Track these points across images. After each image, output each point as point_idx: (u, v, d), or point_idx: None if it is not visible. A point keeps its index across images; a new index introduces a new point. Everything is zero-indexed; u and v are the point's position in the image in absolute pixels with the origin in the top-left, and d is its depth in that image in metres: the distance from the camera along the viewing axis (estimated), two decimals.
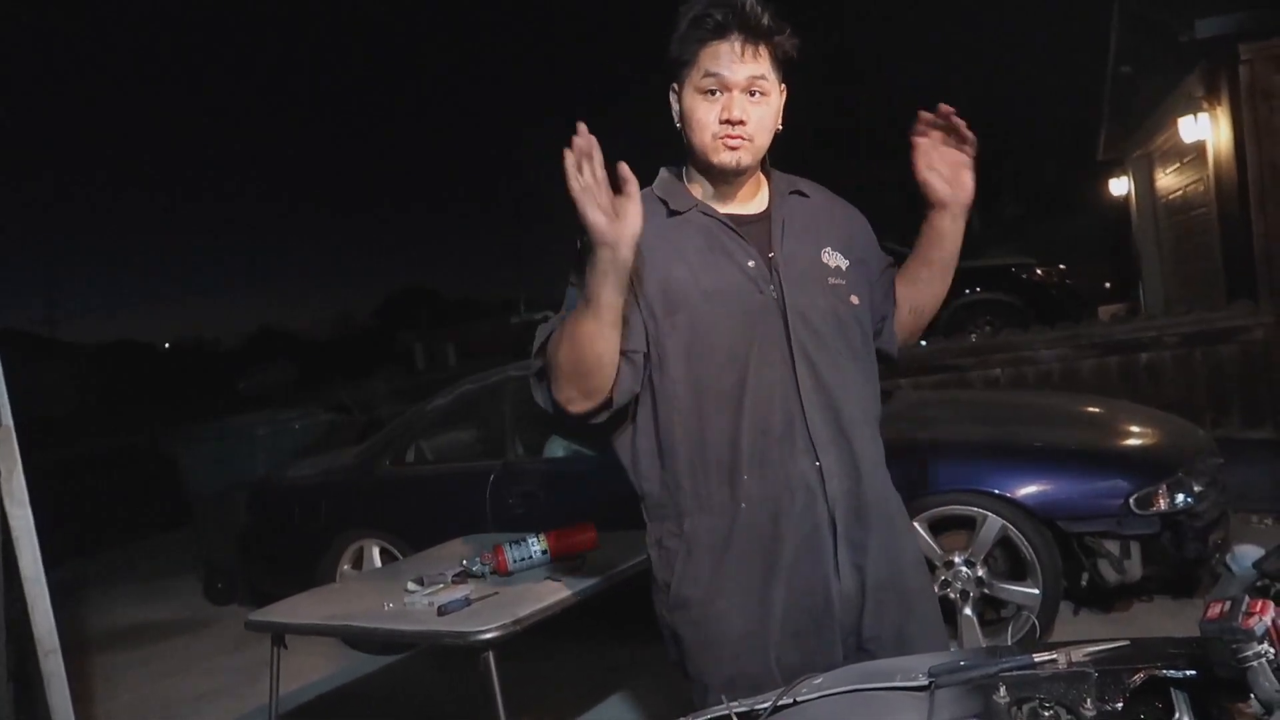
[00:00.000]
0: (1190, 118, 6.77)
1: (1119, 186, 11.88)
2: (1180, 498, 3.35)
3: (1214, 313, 6.25)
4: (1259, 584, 3.26)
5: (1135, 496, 3.35)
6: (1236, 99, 5.85)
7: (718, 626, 1.63)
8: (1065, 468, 3.55)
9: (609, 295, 1.47)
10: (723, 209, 1.70)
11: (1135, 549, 3.41)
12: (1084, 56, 10.44)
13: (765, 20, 1.59)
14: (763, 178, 1.76)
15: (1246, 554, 3.89)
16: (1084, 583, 3.55)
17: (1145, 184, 10.47)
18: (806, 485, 1.61)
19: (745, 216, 1.70)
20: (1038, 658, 1.19)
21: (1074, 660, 1.18)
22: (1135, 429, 3.98)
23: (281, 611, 2.95)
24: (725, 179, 1.68)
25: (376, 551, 4.61)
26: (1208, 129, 6.63)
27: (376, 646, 4.40)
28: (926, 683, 1.21)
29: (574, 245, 1.55)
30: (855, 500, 1.64)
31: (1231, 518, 3.82)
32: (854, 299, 1.71)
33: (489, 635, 2.35)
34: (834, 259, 1.71)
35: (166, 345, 53.79)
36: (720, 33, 1.59)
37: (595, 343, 1.51)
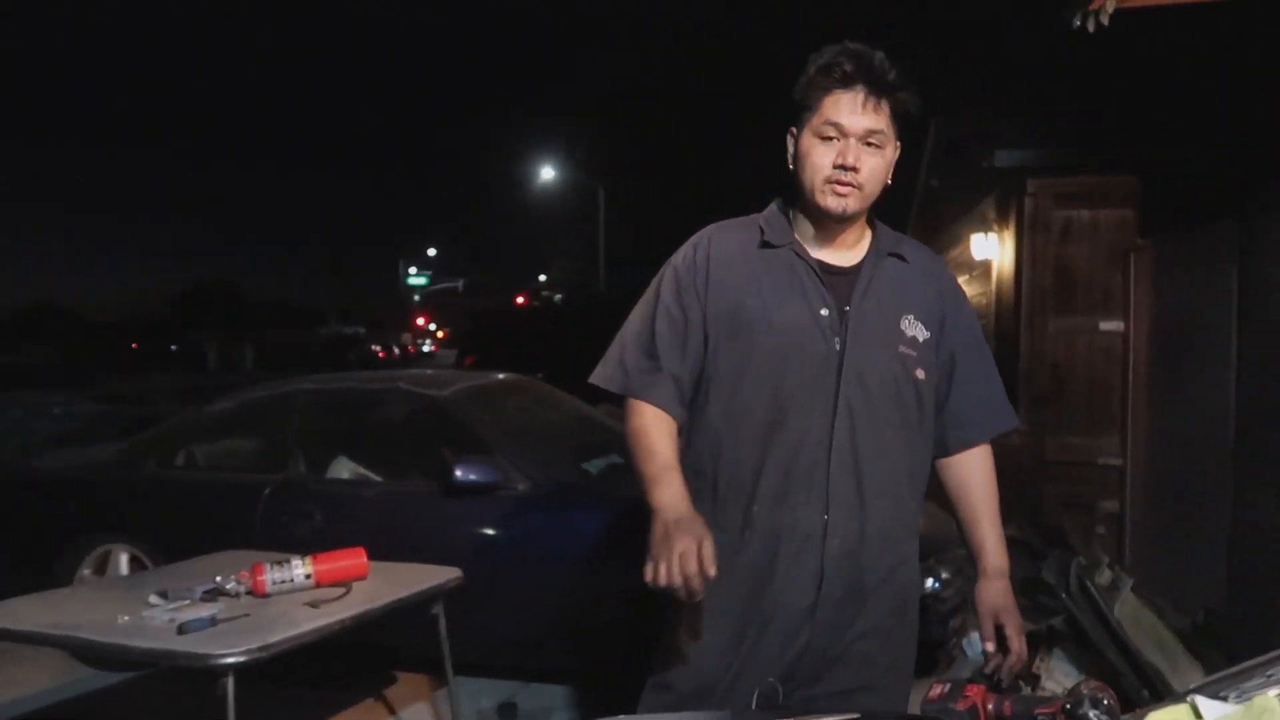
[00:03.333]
0: (982, 236, 7.42)
1: None
2: (930, 582, 3.60)
3: None
4: (985, 670, 3.50)
5: None
6: (1020, 226, 6.49)
7: (694, 651, 1.68)
8: None
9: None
10: (816, 253, 1.72)
11: None
12: (902, 162, 11.29)
13: (891, 76, 1.64)
14: (867, 231, 1.78)
15: (979, 641, 4.19)
16: None
17: None
18: (808, 535, 1.65)
19: (835, 266, 1.73)
20: None
21: None
22: None
23: None
24: (829, 223, 1.70)
25: (125, 559, 4.23)
26: (995, 249, 7.29)
27: (106, 663, 4.02)
28: None
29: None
30: (852, 564, 1.66)
31: (970, 606, 4.14)
32: (920, 372, 1.72)
33: (229, 659, 2.20)
34: (913, 328, 1.72)
35: None
36: (846, 83, 1.63)
37: (638, 477, 1.66)
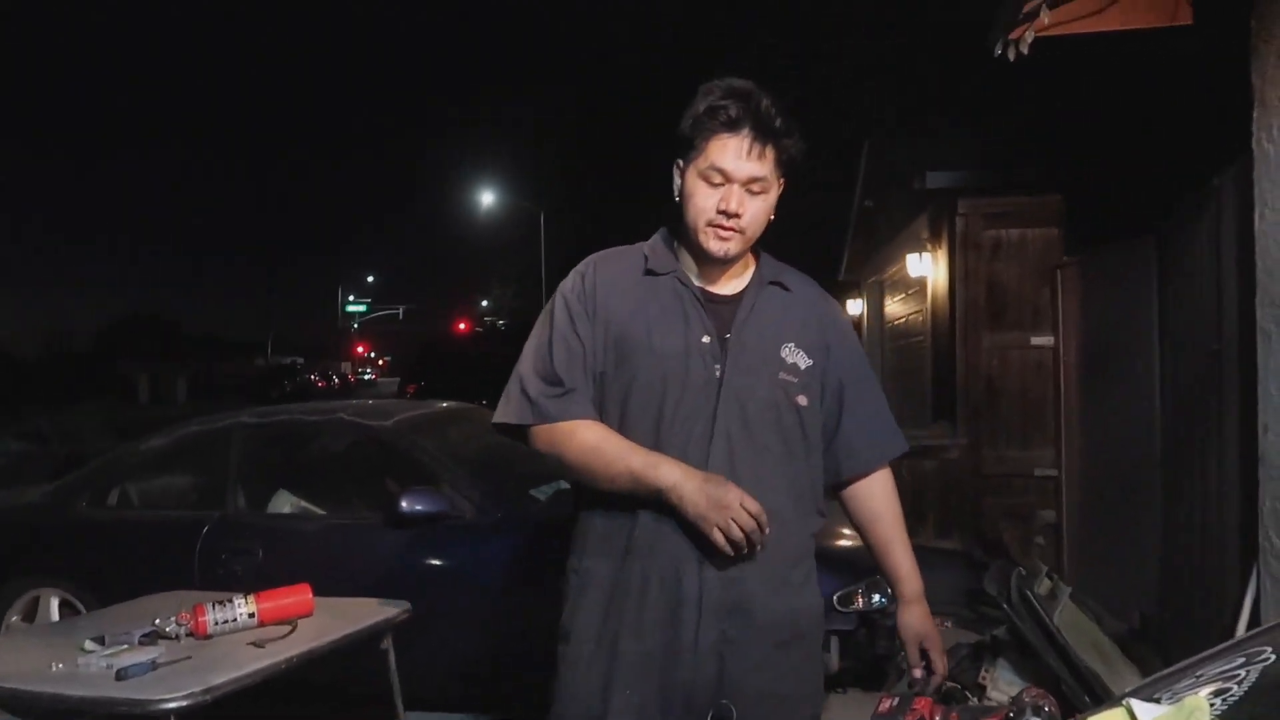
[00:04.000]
0: (917, 255, 7.61)
1: (855, 306, 13.08)
2: (876, 598, 3.65)
3: (920, 430, 6.97)
4: None
5: (838, 594, 3.61)
6: (953, 245, 6.67)
7: (586, 670, 1.68)
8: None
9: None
10: (699, 282, 1.74)
11: (834, 643, 3.66)
12: (837, 183, 11.50)
13: (778, 122, 1.64)
14: (751, 260, 1.79)
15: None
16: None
17: (876, 307, 11.58)
18: (685, 563, 1.64)
19: (718, 295, 1.75)
20: None
21: None
22: (844, 531, 4.30)
23: None
24: (711, 262, 1.72)
25: (55, 603, 4.09)
26: (930, 267, 7.48)
27: (39, 714, 3.86)
28: None
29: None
30: (733, 592, 1.64)
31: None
32: (801, 399, 1.72)
33: (171, 704, 2.13)
34: (794, 355, 1.73)
35: None
36: (732, 127, 1.63)
37: (614, 485, 1.65)
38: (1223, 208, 3.39)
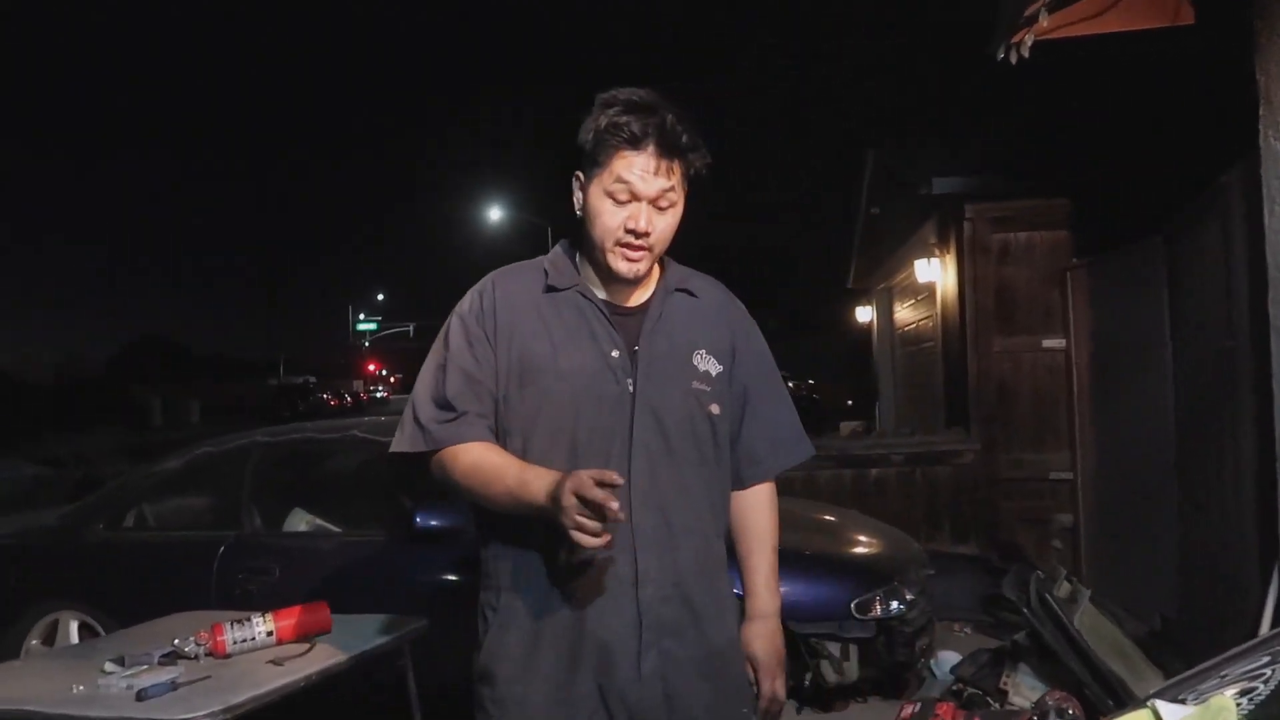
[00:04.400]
0: (925, 261, 7.60)
1: (864, 314, 13.07)
2: (894, 605, 3.64)
3: (933, 436, 6.95)
4: (954, 688, 3.58)
5: (856, 602, 3.60)
6: (961, 249, 6.66)
7: (519, 710, 1.60)
8: (798, 571, 3.77)
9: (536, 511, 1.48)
10: (603, 294, 1.68)
11: (854, 651, 3.65)
12: (842, 192, 11.51)
13: (684, 138, 1.58)
14: (657, 269, 1.73)
15: (946, 660, 4.29)
16: (806, 682, 3.74)
17: (886, 314, 11.57)
18: (620, 583, 1.58)
19: (623, 306, 1.69)
20: None
21: None
22: (861, 538, 4.30)
23: None
24: (619, 280, 1.66)
25: (75, 626, 4.10)
26: (938, 272, 7.46)
27: None
28: None
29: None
30: (672, 608, 1.60)
31: (936, 626, 4.19)
32: (714, 407, 1.68)
33: None
34: (705, 363, 1.69)
35: None
36: (636, 144, 1.57)
37: (500, 507, 1.56)
38: (1231, 205, 3.38)
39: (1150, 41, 3.65)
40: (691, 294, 1.75)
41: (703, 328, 1.72)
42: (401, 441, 1.68)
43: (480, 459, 1.59)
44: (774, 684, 1.73)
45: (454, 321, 1.70)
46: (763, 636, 1.75)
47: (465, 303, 1.71)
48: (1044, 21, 3.16)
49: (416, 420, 1.66)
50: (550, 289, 1.67)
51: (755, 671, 1.73)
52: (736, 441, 1.77)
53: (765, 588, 1.78)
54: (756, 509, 1.80)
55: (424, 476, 1.69)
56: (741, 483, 1.79)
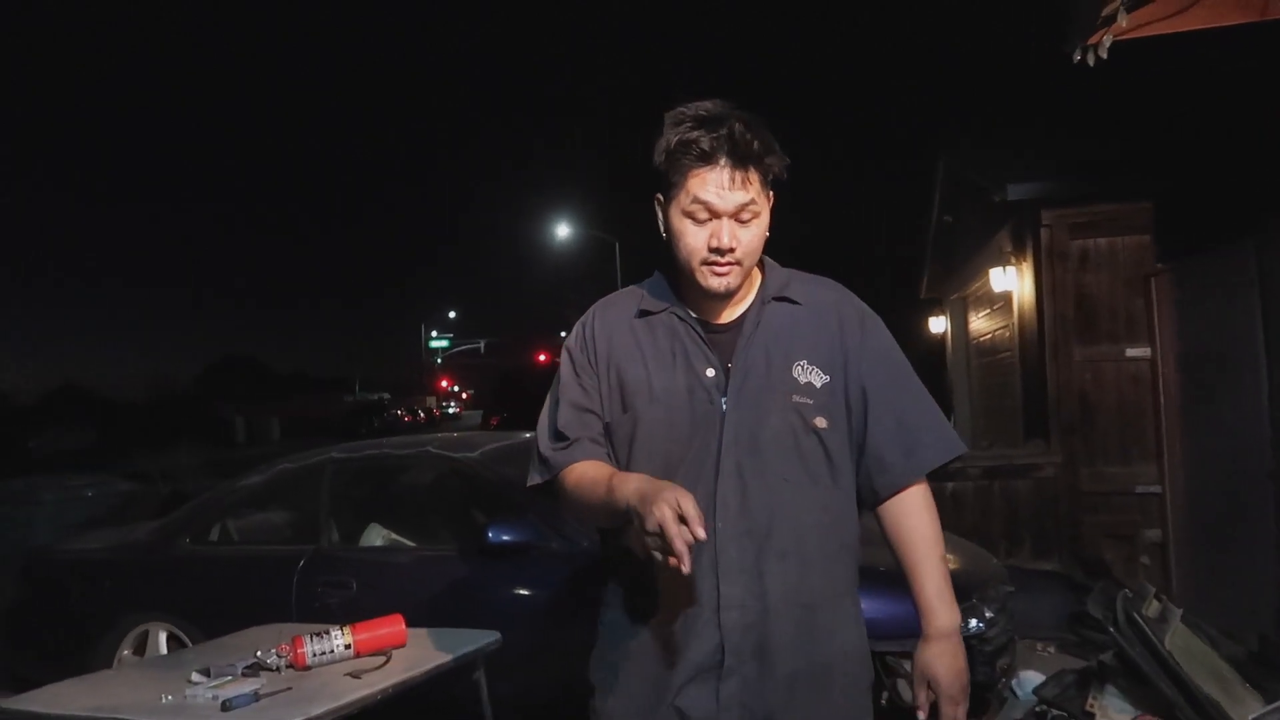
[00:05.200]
0: (1000, 269, 7.42)
1: (938, 324, 12.81)
2: (973, 622, 3.54)
3: (1012, 449, 6.77)
4: (1037, 709, 3.47)
5: None
6: (1038, 257, 6.49)
7: None
8: (876, 587, 3.69)
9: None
10: (697, 313, 1.66)
11: None
12: (915, 201, 11.35)
13: (755, 145, 1.54)
14: (756, 277, 1.69)
15: (1029, 680, 4.16)
16: (884, 701, 3.66)
17: (960, 324, 11.33)
18: (703, 608, 1.56)
19: (718, 324, 1.66)
20: None
21: None
22: None
23: (40, 700, 2.64)
24: (713, 297, 1.63)
25: (164, 637, 4.25)
26: (1014, 281, 7.29)
27: None
28: None
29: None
30: (756, 638, 1.55)
31: (1017, 644, 4.06)
32: (820, 421, 1.60)
33: None
34: (807, 374, 1.62)
35: None
36: (707, 160, 1.53)
37: (599, 520, 1.60)
38: None
39: (1239, 39, 3.52)
40: (793, 301, 1.67)
41: (805, 336, 1.64)
42: (532, 476, 1.73)
43: (582, 474, 1.61)
44: (956, 711, 1.61)
45: (564, 355, 1.75)
46: (943, 657, 1.62)
47: (571, 336, 1.76)
48: (1122, 21, 3.07)
49: (539, 453, 1.71)
50: (643, 313, 1.68)
51: (936, 696, 1.61)
52: (863, 451, 1.67)
53: (939, 601, 1.64)
54: (908, 517, 1.69)
55: (557, 506, 1.74)
56: (876, 494, 1.68)
